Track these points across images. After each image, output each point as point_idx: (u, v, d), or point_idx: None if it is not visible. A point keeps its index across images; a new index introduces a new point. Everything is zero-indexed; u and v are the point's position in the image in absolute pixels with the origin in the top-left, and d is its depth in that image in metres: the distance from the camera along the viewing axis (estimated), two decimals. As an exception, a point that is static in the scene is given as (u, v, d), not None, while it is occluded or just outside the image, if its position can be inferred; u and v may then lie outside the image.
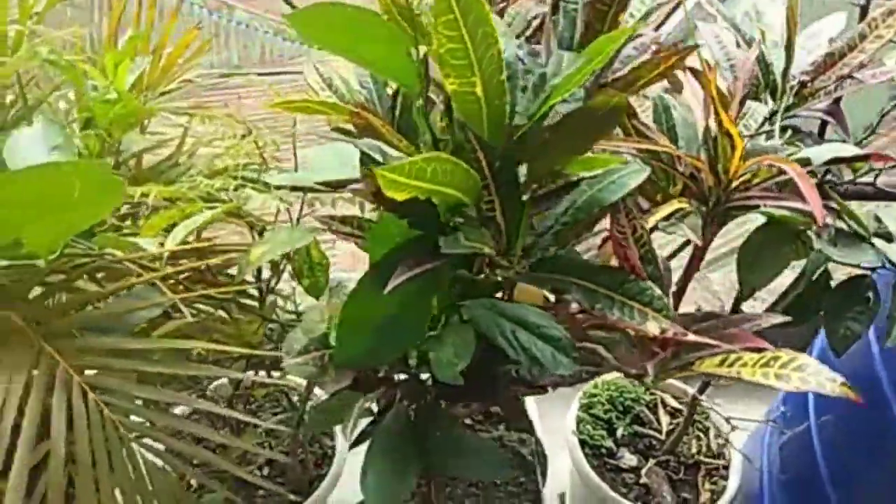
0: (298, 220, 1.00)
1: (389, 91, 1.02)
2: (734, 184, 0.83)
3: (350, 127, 1.00)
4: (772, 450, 1.39)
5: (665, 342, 0.67)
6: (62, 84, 1.06)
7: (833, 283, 0.88)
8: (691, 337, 0.59)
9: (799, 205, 0.75)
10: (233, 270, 1.03)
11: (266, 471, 1.32)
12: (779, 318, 0.70)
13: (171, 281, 0.90)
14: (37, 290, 0.81)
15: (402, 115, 0.99)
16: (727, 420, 1.31)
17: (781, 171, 0.83)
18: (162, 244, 0.69)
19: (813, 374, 0.59)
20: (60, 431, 0.72)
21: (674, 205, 0.80)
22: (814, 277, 0.80)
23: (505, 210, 0.64)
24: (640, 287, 0.62)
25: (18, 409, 0.72)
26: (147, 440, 0.77)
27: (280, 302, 1.10)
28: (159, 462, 0.76)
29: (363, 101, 0.99)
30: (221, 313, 1.05)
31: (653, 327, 0.58)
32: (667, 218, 0.85)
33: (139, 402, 0.76)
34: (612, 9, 0.72)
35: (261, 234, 0.96)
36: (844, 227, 0.79)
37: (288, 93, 0.91)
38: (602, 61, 0.62)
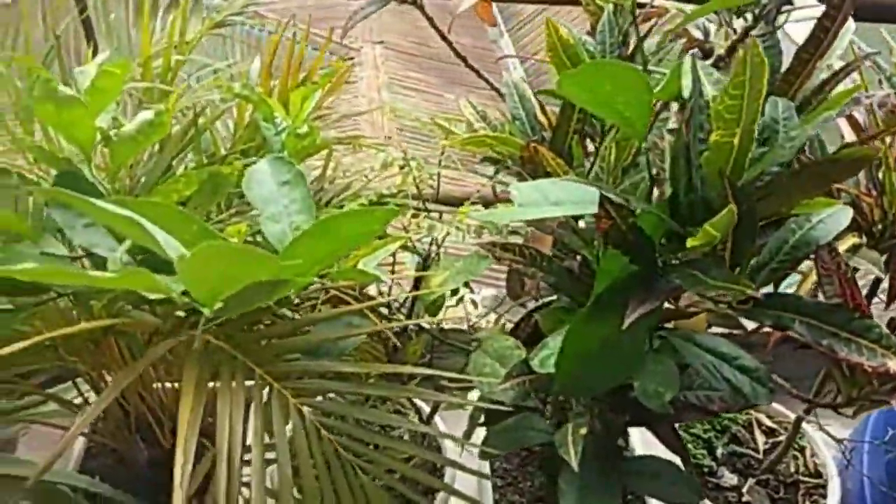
0: (436, 245, 1.04)
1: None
2: (902, 219, 0.88)
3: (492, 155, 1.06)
4: (875, 467, 1.42)
5: (884, 376, 0.70)
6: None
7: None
8: (924, 373, 0.62)
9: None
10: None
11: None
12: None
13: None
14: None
15: (554, 145, 1.04)
16: (839, 441, 1.34)
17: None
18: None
19: None
20: (284, 452, 0.75)
21: (850, 240, 0.84)
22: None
23: (735, 248, 0.68)
24: (866, 325, 0.66)
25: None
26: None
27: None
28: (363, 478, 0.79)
29: (522, 134, 1.04)
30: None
31: (894, 365, 0.61)
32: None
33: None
34: (813, 57, 0.76)
35: (425, 261, 0.99)
36: None
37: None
38: (833, 111, 0.66)
